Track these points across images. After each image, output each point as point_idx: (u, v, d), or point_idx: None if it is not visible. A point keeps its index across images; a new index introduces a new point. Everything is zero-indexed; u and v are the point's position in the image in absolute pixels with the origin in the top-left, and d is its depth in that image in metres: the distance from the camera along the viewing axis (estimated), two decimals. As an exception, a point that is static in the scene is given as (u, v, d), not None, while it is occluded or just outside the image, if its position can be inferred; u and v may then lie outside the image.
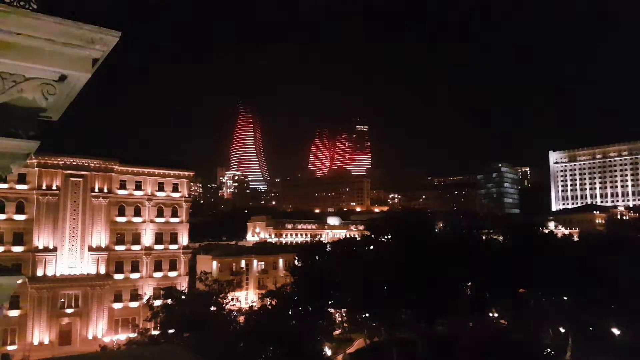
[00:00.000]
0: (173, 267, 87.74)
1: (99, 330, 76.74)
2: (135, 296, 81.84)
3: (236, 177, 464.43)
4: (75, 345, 73.46)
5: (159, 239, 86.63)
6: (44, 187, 75.18)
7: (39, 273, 73.16)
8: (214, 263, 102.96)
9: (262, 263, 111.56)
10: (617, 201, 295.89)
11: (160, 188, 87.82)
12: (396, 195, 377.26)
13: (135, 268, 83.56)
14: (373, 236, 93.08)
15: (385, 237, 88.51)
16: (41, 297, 72.62)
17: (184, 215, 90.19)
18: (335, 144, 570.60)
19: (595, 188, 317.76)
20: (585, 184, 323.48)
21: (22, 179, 73.59)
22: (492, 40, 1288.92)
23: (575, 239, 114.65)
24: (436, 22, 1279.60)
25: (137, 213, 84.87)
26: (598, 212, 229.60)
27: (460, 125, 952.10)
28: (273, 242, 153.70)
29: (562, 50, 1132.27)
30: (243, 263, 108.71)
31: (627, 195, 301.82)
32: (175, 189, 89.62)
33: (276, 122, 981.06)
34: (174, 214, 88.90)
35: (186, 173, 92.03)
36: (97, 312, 77.28)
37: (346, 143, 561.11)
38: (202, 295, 62.95)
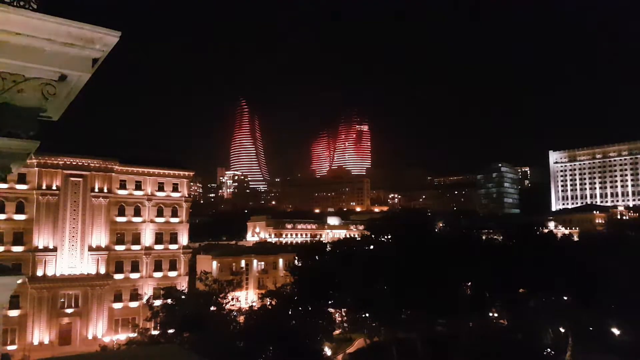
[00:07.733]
0: (173, 267, 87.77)
1: (99, 330, 76.75)
2: (135, 296, 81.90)
3: (236, 177, 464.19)
4: (75, 345, 73.46)
5: (159, 239, 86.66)
6: (44, 187, 75.19)
7: (39, 273, 73.17)
8: (214, 263, 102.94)
9: (262, 263, 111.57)
10: (617, 201, 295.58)
11: (160, 188, 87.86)
12: (396, 195, 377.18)
13: (135, 268, 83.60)
14: (373, 236, 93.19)
15: (385, 237, 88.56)
16: (41, 297, 72.65)
17: (184, 215, 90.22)
18: (336, 144, 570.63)
19: (595, 188, 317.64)
20: (585, 184, 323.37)
21: (22, 179, 73.58)
22: (493, 39, 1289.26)
23: (575, 238, 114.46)
24: (436, 20, 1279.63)
25: (137, 213, 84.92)
26: (598, 212, 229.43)
27: (460, 125, 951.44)
28: (273, 242, 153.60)
29: (563, 49, 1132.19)
30: (243, 263, 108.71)
31: (627, 195, 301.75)
32: (175, 189, 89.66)
33: (276, 122, 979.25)
34: (174, 214, 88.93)
35: (186, 173, 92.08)
36: (97, 312, 77.30)
37: (346, 143, 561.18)
38: (202, 295, 63.00)
